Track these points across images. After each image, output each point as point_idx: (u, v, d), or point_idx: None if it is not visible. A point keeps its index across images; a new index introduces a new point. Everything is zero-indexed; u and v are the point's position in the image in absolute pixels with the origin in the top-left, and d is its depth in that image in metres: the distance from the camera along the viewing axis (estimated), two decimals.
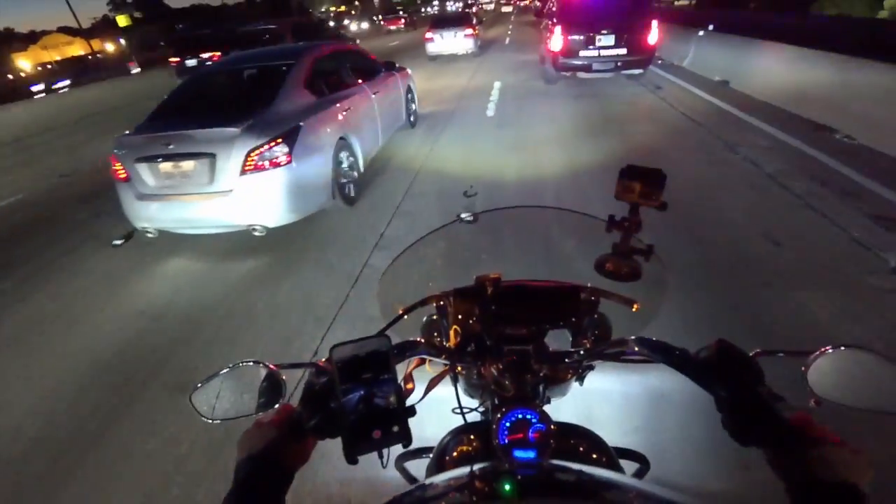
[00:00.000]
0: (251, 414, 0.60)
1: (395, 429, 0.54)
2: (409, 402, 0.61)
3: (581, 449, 0.76)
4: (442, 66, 12.40)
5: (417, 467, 0.86)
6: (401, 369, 0.62)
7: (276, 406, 0.60)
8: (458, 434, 0.81)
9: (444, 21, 13.14)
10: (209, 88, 4.05)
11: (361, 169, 4.32)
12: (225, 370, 0.63)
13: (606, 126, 5.67)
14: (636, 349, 0.65)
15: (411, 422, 0.56)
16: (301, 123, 3.41)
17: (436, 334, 0.92)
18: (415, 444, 0.59)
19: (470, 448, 0.77)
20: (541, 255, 1.13)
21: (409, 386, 0.72)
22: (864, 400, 0.53)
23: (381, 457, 0.56)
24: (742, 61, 7.00)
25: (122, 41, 70.32)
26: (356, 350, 0.55)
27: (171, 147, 3.16)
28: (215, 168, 3.15)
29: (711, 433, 1.49)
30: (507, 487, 0.52)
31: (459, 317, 0.84)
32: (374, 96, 4.79)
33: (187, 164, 3.18)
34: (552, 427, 0.62)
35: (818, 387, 0.55)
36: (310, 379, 0.60)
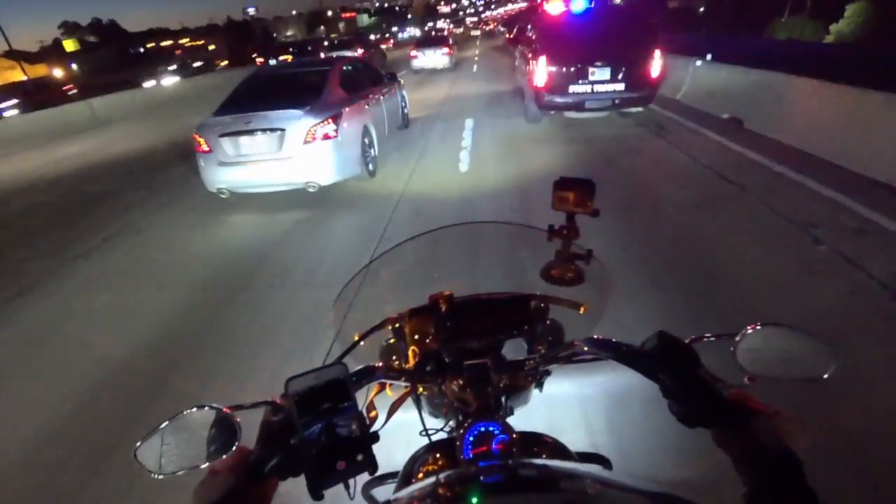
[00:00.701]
0: (204, 463, 0.55)
1: (360, 457, 0.55)
2: (372, 428, 0.62)
3: (544, 456, 0.79)
4: (424, 78, 14.72)
5: (386, 493, 0.85)
6: (360, 397, 0.61)
7: (231, 450, 0.55)
8: (424, 454, 0.82)
9: (427, 42, 16.92)
10: (264, 84, 5.33)
11: (377, 152, 5.65)
12: (171, 419, 0.57)
13: (618, 190, 4.45)
14: (586, 349, 0.69)
15: (377, 450, 0.56)
16: (342, 110, 4.74)
17: (394, 357, 0.94)
18: (383, 472, 0.61)
19: (436, 466, 0.78)
20: (489, 268, 1.18)
21: (373, 414, 0.72)
22: (789, 371, 0.58)
23: (347, 488, 0.56)
24: (750, 96, 6.28)
25: (74, 66, 68.74)
26: (313, 381, 0.55)
27: (251, 124, 4.40)
28: (284, 139, 4.40)
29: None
30: (474, 496, 0.53)
31: (416, 337, 0.87)
32: (381, 98, 6.18)
33: (262, 137, 4.42)
34: (515, 437, 0.67)
35: (748, 364, 0.58)
36: (266, 417, 0.59)
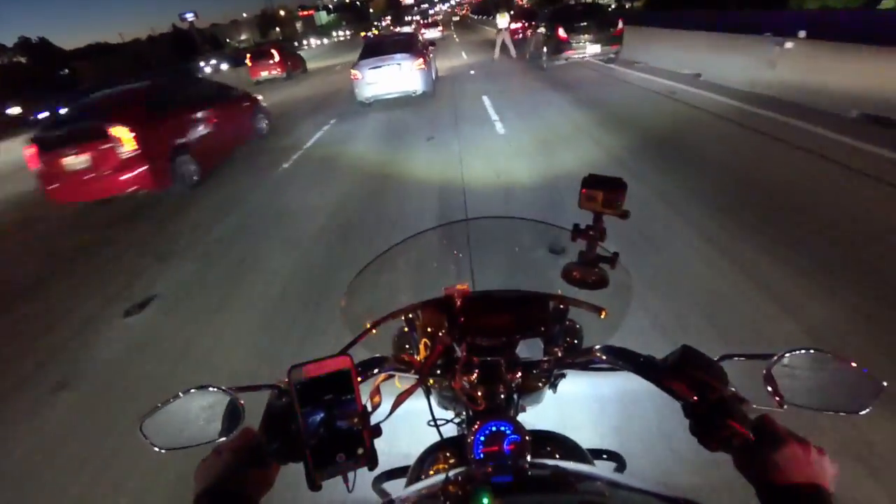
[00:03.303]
0: (209, 441, 0.61)
1: (360, 451, 0.57)
2: (375, 419, 0.63)
3: (557, 455, 0.83)
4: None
5: (396, 487, 0.90)
6: (367, 385, 0.66)
7: (235, 432, 0.61)
8: (434, 451, 0.86)
9: (428, 24, 33.33)
10: (379, 44, 10.46)
11: (434, 79, 10.81)
12: (178, 396, 0.63)
13: None
14: (605, 358, 0.72)
15: (382, 441, 0.59)
16: (425, 55, 9.92)
17: (407, 347, 1.00)
18: (392, 459, 0.65)
19: (447, 465, 0.82)
20: (509, 264, 1.25)
21: (377, 399, 0.73)
22: (825, 402, 0.58)
23: (346, 481, 0.59)
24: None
25: None
26: (316, 371, 0.58)
27: (384, 62, 9.53)
28: (402, 69, 9.53)
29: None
30: (484, 496, 0.55)
31: (429, 330, 0.91)
32: (432, 54, 11.40)
33: (390, 68, 9.56)
34: (527, 438, 0.69)
35: (780, 389, 0.59)
36: (270, 401, 0.63)
